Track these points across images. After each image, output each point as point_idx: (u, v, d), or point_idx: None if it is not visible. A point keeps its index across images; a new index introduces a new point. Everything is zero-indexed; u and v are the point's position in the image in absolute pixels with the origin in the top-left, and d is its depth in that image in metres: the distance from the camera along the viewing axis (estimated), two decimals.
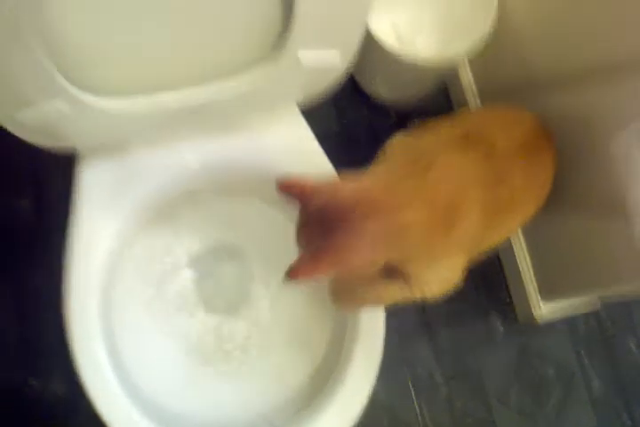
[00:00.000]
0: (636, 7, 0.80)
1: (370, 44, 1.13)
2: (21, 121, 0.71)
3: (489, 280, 1.37)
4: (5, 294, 1.23)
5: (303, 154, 0.92)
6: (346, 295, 0.89)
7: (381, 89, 1.35)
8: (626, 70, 0.84)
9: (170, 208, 0.96)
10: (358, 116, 1.38)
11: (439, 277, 0.89)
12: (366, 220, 0.75)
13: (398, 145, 0.90)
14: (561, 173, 1.05)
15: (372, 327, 0.91)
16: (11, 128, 0.73)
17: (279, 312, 1.04)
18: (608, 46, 0.90)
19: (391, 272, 0.87)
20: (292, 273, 0.74)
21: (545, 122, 1.03)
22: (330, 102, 1.37)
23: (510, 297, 1.37)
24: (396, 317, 1.29)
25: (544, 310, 1.29)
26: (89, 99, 0.72)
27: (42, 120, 0.72)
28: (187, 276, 1.05)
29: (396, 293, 0.89)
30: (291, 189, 0.78)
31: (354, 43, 0.79)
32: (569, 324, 1.38)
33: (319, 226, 0.76)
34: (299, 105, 0.92)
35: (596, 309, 1.33)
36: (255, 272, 1.07)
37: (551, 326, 1.37)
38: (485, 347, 1.35)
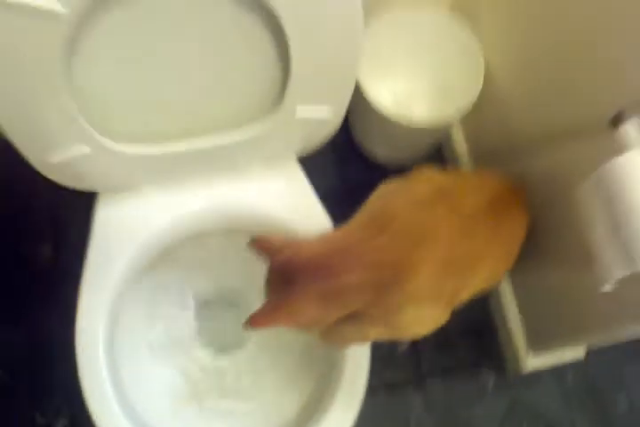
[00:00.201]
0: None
1: (368, 109, 1.24)
2: (50, 162, 0.82)
3: (480, 334, 1.42)
4: (20, 334, 1.30)
5: (299, 202, 1.01)
6: (332, 335, 0.95)
7: (379, 150, 1.45)
8: (588, 132, 0.93)
9: (177, 251, 1.04)
10: (356, 172, 1.48)
11: (411, 323, 0.96)
12: (320, 278, 0.84)
13: (377, 196, 0.98)
14: (542, 227, 1.12)
15: (356, 364, 0.95)
16: (40, 169, 0.84)
17: (271, 354, 1.10)
18: (575, 113, 1.00)
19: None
20: (252, 322, 0.85)
21: (526, 181, 1.11)
22: (328, 158, 1.49)
23: (501, 350, 1.41)
24: (390, 367, 1.35)
25: (532, 361, 1.33)
26: (108, 143, 0.83)
27: (67, 161, 0.82)
28: (189, 317, 1.12)
29: (378, 334, 0.96)
30: (260, 246, 0.89)
31: (344, 100, 0.89)
32: (558, 377, 1.41)
33: (281, 280, 0.86)
34: (297, 155, 1.02)
35: (581, 357, 1.37)
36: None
37: (540, 379, 1.40)
38: (476, 399, 1.38)
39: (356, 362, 0.95)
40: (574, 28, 0.96)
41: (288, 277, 0.85)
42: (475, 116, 1.34)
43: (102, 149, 0.82)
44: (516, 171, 1.16)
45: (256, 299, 1.12)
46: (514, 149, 1.22)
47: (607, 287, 0.84)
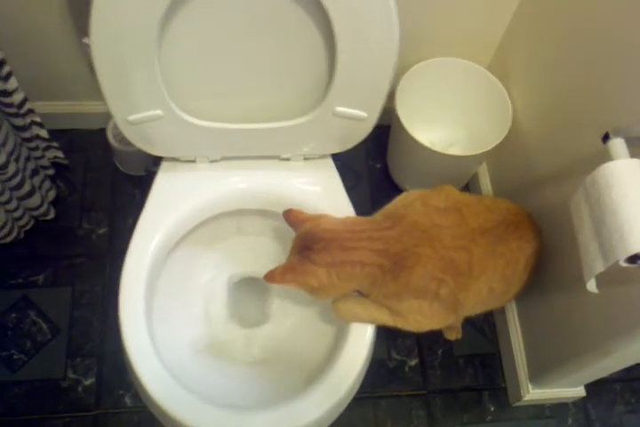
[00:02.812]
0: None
1: (407, 142, 1.41)
2: (129, 120, 1.01)
3: (487, 360, 1.50)
4: (65, 299, 1.46)
5: (330, 193, 1.16)
6: (344, 312, 1.07)
7: (411, 182, 1.60)
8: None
9: (215, 225, 1.20)
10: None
11: (410, 312, 1.07)
12: (332, 249, 0.98)
13: (399, 200, 1.12)
14: (554, 259, 1.22)
15: (360, 331, 1.06)
16: (122, 128, 1.03)
17: (286, 334, 1.22)
18: (582, 147, 1.13)
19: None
20: (268, 277, 1.01)
21: (542, 215, 1.22)
22: (367, 189, 1.65)
23: (504, 378, 1.48)
24: (398, 380, 1.43)
25: (533, 393, 1.39)
26: (178, 111, 1.02)
27: (142, 121, 1.01)
28: (222, 290, 1.25)
29: (385, 318, 1.07)
30: (292, 216, 1.04)
31: (377, 106, 1.06)
32: (559, 414, 1.46)
33: (302, 246, 1.01)
34: (332, 152, 1.17)
35: (582, 395, 1.42)
36: (274, 299, 1.27)
37: (542, 414, 1.46)
38: (476, 425, 1.44)
39: (360, 334, 1.05)
40: (579, 88, 1.14)
41: (308, 244, 1.00)
42: (499, 158, 1.49)
43: (172, 115, 1.00)
44: (533, 205, 1.27)
45: (275, 287, 1.26)
46: (532, 187, 1.34)
47: (592, 286, 0.93)
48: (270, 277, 1.00)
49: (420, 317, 1.07)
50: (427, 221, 1.05)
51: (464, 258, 1.04)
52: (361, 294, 1.08)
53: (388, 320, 1.07)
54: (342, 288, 1.03)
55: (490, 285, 1.10)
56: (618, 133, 0.93)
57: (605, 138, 0.95)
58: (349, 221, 1.05)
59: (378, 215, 1.08)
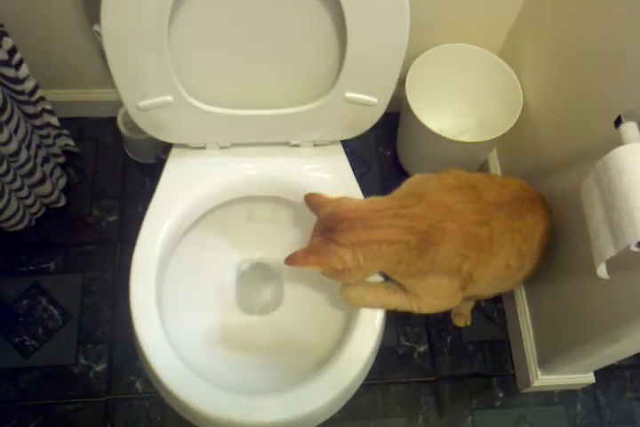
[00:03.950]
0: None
1: (417, 128, 1.40)
2: (139, 106, 1.01)
3: (496, 347, 1.50)
4: (76, 286, 1.47)
5: (340, 180, 1.16)
6: (354, 298, 1.07)
7: (420, 168, 1.59)
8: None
9: (225, 212, 1.20)
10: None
11: (428, 294, 1.07)
12: (356, 228, 0.97)
13: (412, 182, 1.12)
14: (563, 246, 1.22)
15: (369, 318, 1.06)
16: (130, 111, 1.03)
17: (294, 322, 1.22)
18: (593, 134, 1.13)
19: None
20: (289, 260, 0.98)
21: (553, 201, 1.22)
22: (377, 177, 1.65)
23: (513, 364, 1.48)
24: (407, 366, 1.43)
25: (542, 378, 1.39)
26: (188, 97, 1.02)
27: (152, 107, 1.01)
28: (232, 276, 1.26)
29: (397, 302, 1.07)
30: (311, 200, 1.03)
31: (387, 91, 1.05)
32: (568, 401, 1.46)
33: (324, 228, 0.99)
34: (342, 138, 1.17)
35: (591, 382, 1.42)
36: (284, 286, 1.27)
37: (550, 400, 1.46)
38: (484, 409, 1.44)
39: (369, 321, 1.05)
40: (591, 73, 1.13)
41: (330, 225, 0.98)
42: (509, 145, 1.49)
43: (182, 101, 1.01)
44: (544, 191, 1.27)
45: (288, 275, 1.26)
46: (542, 173, 1.34)
47: (602, 271, 0.93)
48: (292, 259, 0.97)
49: (434, 299, 1.08)
50: (448, 197, 1.05)
51: (486, 233, 1.04)
52: (384, 275, 1.08)
53: (402, 303, 1.07)
54: (368, 269, 1.02)
55: (507, 260, 1.10)
56: (630, 117, 0.92)
57: (617, 122, 0.94)
58: (371, 201, 1.04)
59: (397, 194, 1.07)
